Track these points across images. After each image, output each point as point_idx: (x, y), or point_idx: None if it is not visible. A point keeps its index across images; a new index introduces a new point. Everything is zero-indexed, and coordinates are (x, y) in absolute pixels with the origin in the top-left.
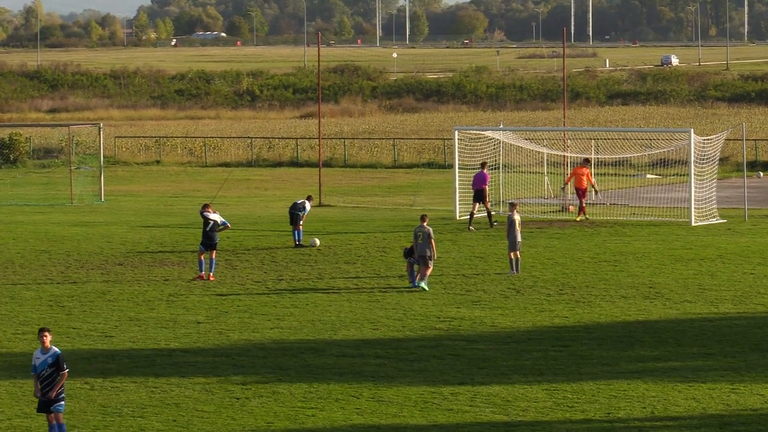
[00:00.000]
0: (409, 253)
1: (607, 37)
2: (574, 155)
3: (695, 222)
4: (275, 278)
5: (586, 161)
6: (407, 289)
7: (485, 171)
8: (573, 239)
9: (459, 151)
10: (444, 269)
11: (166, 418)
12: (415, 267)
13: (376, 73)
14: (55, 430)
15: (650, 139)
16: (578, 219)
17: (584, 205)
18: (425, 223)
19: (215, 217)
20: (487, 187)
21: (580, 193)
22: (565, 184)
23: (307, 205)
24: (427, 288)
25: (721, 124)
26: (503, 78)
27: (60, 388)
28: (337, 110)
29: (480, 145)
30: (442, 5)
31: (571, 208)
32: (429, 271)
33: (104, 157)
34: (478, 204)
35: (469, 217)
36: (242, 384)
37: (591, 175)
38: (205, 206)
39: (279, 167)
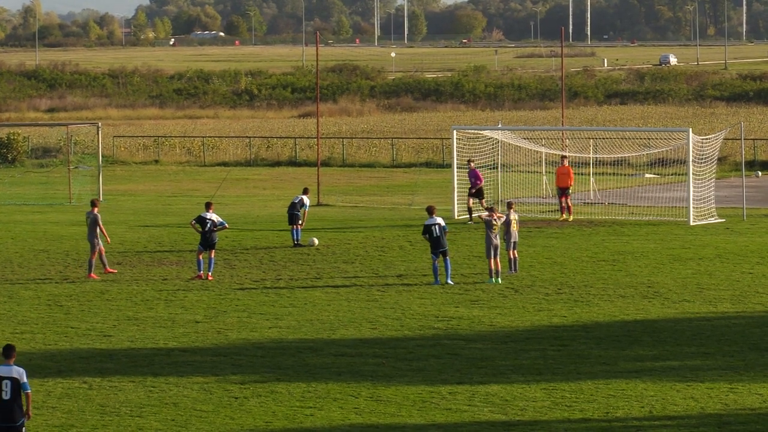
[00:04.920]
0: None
1: (606, 36)
2: (572, 155)
3: (694, 221)
4: (274, 278)
5: (563, 158)
6: (405, 288)
7: (473, 166)
8: (571, 239)
9: (457, 151)
10: (442, 269)
11: (165, 417)
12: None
13: (374, 73)
14: None
15: (649, 139)
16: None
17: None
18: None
19: (213, 216)
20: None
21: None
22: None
23: (306, 200)
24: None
25: (720, 123)
26: (501, 77)
27: None
28: (335, 110)
29: (478, 145)
30: (440, 5)
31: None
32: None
33: (102, 156)
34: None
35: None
36: (240, 383)
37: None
38: (208, 205)
39: (277, 167)
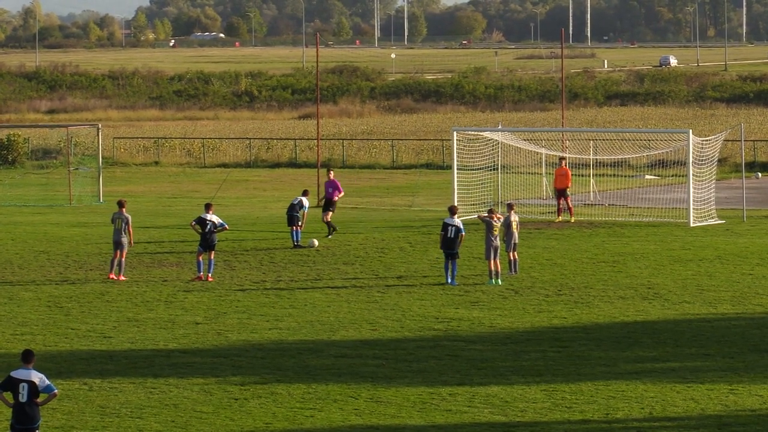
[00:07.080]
0: (445, 246)
1: (606, 37)
2: (572, 156)
3: (694, 223)
4: (273, 279)
5: (561, 159)
6: (405, 290)
7: (332, 176)
8: (571, 240)
9: (457, 152)
10: (442, 270)
11: (165, 418)
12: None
13: (374, 74)
14: None
15: (649, 140)
16: (570, 220)
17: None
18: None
19: (213, 218)
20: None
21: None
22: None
23: (305, 202)
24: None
25: (720, 124)
26: (501, 79)
27: None
28: (335, 111)
29: (478, 146)
30: (440, 6)
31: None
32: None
33: (103, 157)
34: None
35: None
36: (240, 385)
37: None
38: (208, 206)
39: (277, 168)
